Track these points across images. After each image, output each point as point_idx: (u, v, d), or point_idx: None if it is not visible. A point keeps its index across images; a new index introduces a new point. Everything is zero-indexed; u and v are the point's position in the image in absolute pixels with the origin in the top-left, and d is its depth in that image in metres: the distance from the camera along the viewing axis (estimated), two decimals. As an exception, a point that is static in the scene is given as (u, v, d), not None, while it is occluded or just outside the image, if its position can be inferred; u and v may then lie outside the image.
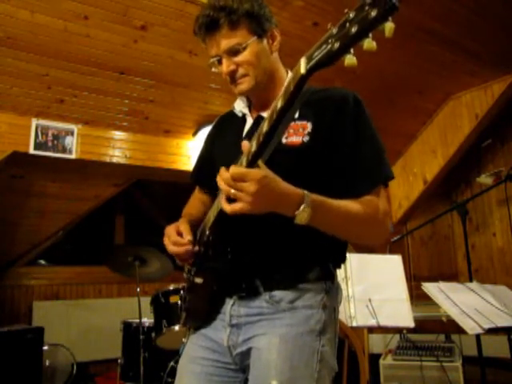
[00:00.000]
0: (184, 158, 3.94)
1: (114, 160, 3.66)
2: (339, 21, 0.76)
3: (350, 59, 0.76)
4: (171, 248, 1.26)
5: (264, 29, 1.20)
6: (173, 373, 3.02)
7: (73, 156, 3.43)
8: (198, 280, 1.28)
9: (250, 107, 1.33)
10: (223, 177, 0.97)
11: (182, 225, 1.29)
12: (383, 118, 3.88)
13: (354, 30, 0.73)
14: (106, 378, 4.26)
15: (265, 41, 1.21)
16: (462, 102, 4.18)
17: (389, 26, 0.71)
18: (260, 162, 0.98)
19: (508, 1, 2.85)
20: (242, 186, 0.95)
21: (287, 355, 1.10)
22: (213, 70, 1.25)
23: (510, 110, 4.14)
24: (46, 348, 3.70)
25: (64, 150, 3.40)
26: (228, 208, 0.99)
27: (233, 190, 0.96)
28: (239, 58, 1.18)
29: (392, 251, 3.13)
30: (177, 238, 1.25)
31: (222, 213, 1.15)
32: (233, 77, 1.21)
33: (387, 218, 1.17)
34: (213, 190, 1.47)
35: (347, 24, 0.74)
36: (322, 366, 1.13)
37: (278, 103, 0.92)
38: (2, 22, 2.61)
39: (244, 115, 1.32)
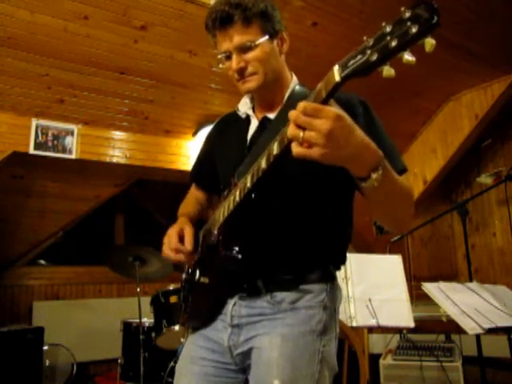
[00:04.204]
0: (184, 158, 3.94)
1: (114, 160, 3.67)
2: (375, 33, 0.78)
3: (388, 70, 0.78)
4: (168, 252, 1.29)
5: (275, 30, 1.21)
6: (173, 373, 3.01)
7: (73, 156, 3.44)
8: (204, 280, 1.29)
9: (253, 109, 1.34)
10: (293, 114, 0.85)
11: (187, 228, 1.31)
12: (383, 118, 3.85)
13: (393, 43, 0.74)
14: (106, 377, 4.26)
15: (275, 42, 1.22)
16: (461, 102, 4.18)
17: (430, 43, 0.73)
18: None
19: (508, 1, 2.85)
20: (313, 122, 0.83)
21: (289, 355, 1.11)
22: (220, 66, 1.25)
23: (510, 109, 4.13)
24: (46, 348, 3.70)
25: (64, 150, 3.40)
26: (296, 150, 0.86)
27: (301, 133, 0.84)
28: (250, 56, 1.18)
29: (392, 251, 3.13)
30: (177, 245, 1.27)
31: (232, 214, 1.15)
32: (241, 73, 1.20)
33: None
34: (210, 190, 1.48)
35: (385, 37, 0.75)
36: (322, 365, 1.14)
37: None
38: (2, 22, 2.61)
39: (248, 117, 1.33)
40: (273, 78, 1.22)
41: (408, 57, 0.75)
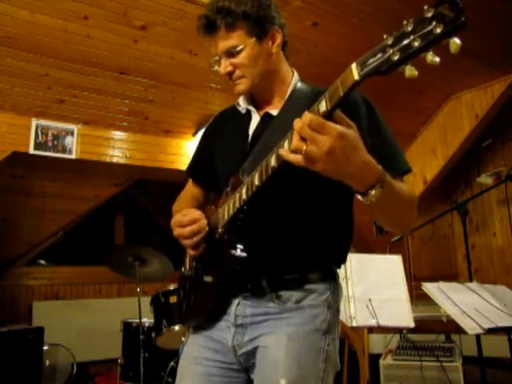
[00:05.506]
0: (184, 158, 3.94)
1: (114, 160, 3.67)
2: (395, 31, 0.75)
3: (411, 70, 0.75)
4: (189, 229, 1.21)
5: (265, 30, 1.20)
6: (173, 373, 3.02)
7: (73, 156, 3.44)
8: (208, 279, 1.27)
9: (253, 104, 1.32)
10: (297, 125, 0.86)
11: (185, 209, 1.27)
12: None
13: (416, 43, 0.72)
14: (106, 377, 4.26)
15: (265, 42, 1.20)
16: (461, 102, 4.18)
17: (455, 43, 0.71)
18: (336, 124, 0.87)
19: (508, 1, 2.85)
20: (316, 138, 0.84)
21: (295, 354, 1.12)
22: (215, 68, 1.26)
23: (510, 109, 4.13)
24: (46, 348, 3.70)
25: (64, 150, 3.40)
26: (295, 158, 0.88)
27: (305, 147, 0.85)
28: (236, 60, 1.19)
29: (392, 251, 3.13)
30: (190, 216, 1.22)
31: (238, 212, 1.14)
32: (230, 77, 1.22)
33: None
34: (208, 187, 1.46)
35: (406, 36, 0.73)
36: (327, 364, 1.15)
37: (322, 106, 0.87)
38: (2, 22, 2.61)
39: (248, 112, 1.31)
40: (263, 78, 1.22)
41: (432, 57, 0.72)
